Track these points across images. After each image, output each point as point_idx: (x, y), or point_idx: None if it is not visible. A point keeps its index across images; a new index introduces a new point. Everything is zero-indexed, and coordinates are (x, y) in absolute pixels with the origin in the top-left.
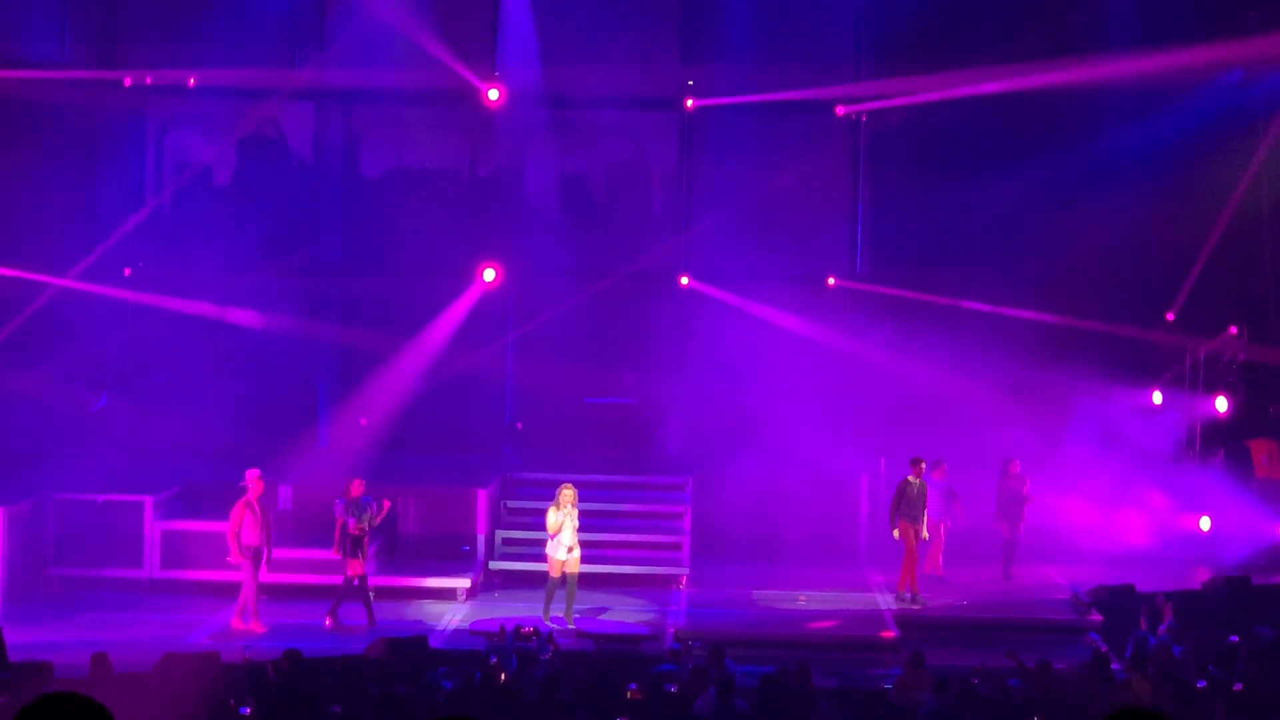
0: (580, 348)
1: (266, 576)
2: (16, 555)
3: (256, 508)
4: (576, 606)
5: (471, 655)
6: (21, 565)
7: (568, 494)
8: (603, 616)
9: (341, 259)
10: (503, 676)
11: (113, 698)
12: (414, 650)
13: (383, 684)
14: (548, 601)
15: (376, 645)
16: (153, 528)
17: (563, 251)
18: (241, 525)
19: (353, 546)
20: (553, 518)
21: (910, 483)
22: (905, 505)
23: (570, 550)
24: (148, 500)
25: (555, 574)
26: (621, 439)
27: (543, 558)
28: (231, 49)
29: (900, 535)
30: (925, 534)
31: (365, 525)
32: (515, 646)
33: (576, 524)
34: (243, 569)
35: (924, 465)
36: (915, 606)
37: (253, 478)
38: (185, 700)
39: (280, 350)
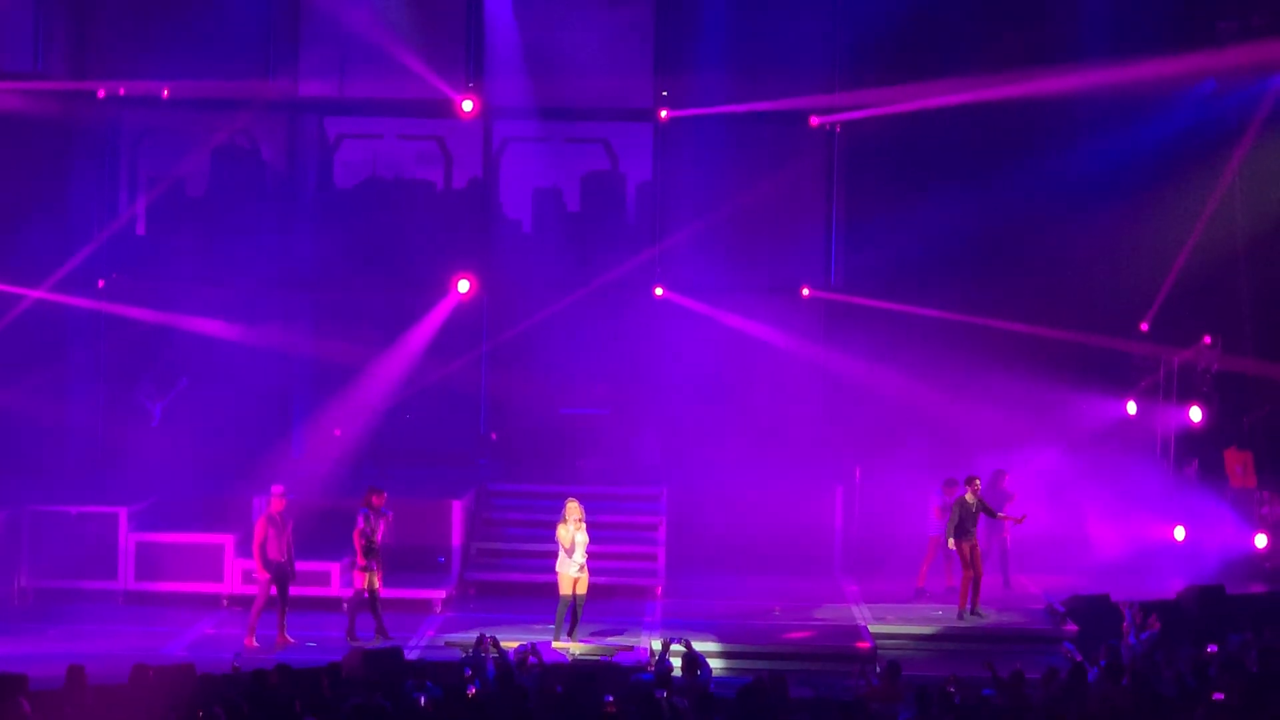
0: (555, 359)
1: (280, 591)
2: None
3: (279, 523)
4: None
5: (447, 667)
6: None
7: (573, 508)
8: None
9: (315, 270)
10: (471, 690)
11: (88, 711)
12: (389, 662)
13: (358, 696)
14: (559, 622)
15: (352, 657)
16: (127, 539)
17: (537, 263)
18: (266, 540)
19: (371, 558)
20: (563, 533)
21: (966, 501)
22: (962, 523)
23: (581, 569)
24: (122, 512)
25: (566, 591)
26: (596, 450)
27: (518, 570)
28: (205, 60)
29: (957, 553)
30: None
31: (371, 537)
32: (492, 659)
33: (586, 540)
34: (258, 584)
35: (979, 483)
36: (981, 620)
37: (276, 493)
38: (161, 713)
39: (254, 362)
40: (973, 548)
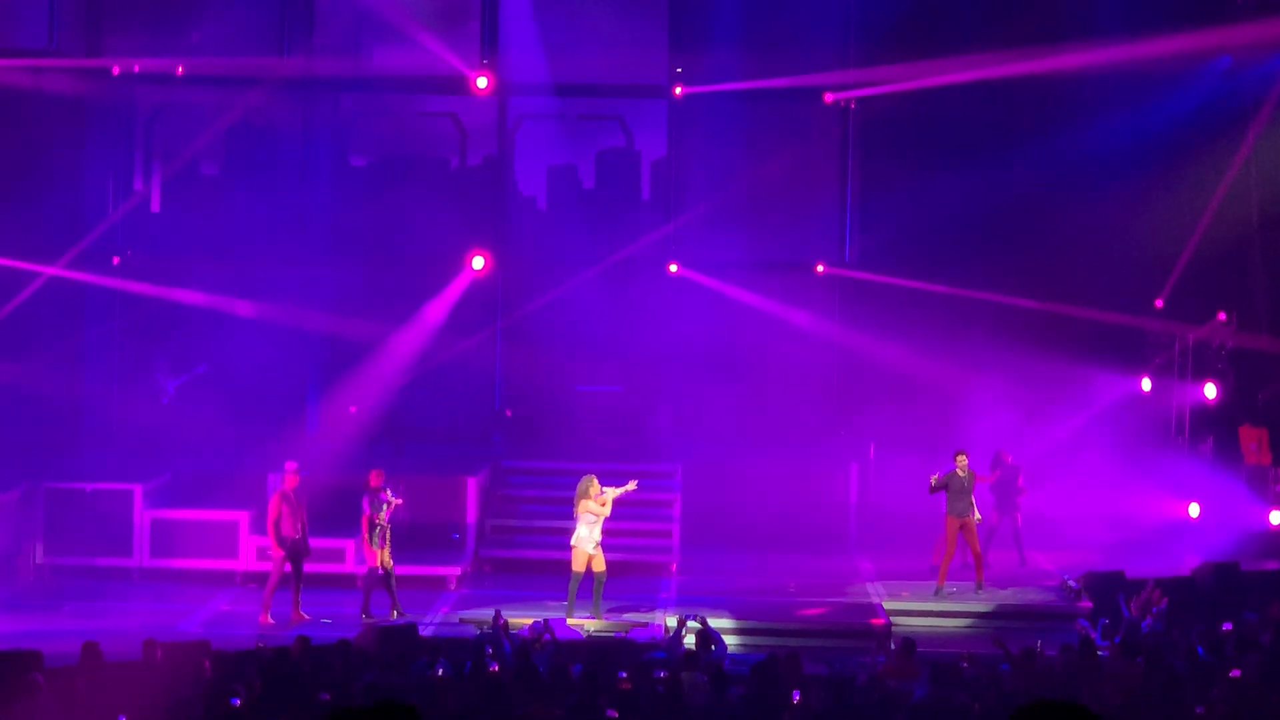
0: (569, 335)
1: (294, 568)
2: (6, 544)
3: (293, 500)
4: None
5: (461, 644)
6: (11, 554)
7: (596, 485)
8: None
9: (330, 248)
10: (470, 666)
11: (103, 687)
12: (404, 639)
13: (370, 673)
14: (571, 598)
15: (367, 634)
16: (142, 516)
17: (551, 239)
18: (280, 517)
19: (373, 537)
20: (595, 507)
21: (957, 475)
22: (952, 497)
23: (596, 546)
24: (137, 489)
25: (579, 568)
26: (611, 426)
27: (533, 547)
28: (220, 37)
29: (946, 528)
30: (978, 516)
31: (379, 517)
32: (508, 636)
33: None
34: (272, 561)
35: (966, 458)
36: (944, 597)
37: (291, 470)
38: (177, 688)
39: (268, 338)
40: (964, 525)
